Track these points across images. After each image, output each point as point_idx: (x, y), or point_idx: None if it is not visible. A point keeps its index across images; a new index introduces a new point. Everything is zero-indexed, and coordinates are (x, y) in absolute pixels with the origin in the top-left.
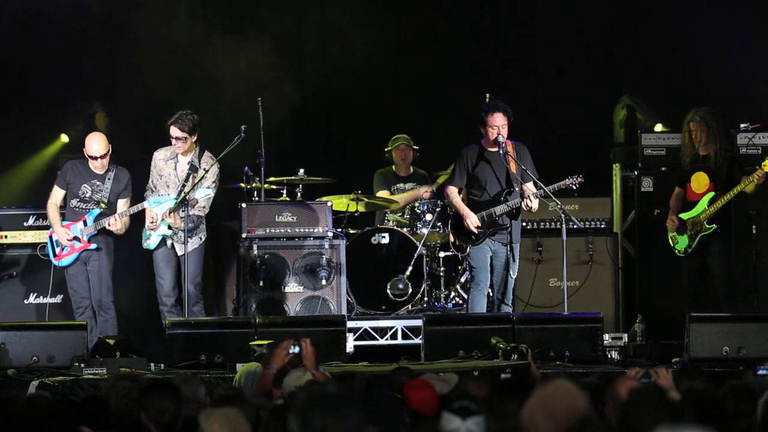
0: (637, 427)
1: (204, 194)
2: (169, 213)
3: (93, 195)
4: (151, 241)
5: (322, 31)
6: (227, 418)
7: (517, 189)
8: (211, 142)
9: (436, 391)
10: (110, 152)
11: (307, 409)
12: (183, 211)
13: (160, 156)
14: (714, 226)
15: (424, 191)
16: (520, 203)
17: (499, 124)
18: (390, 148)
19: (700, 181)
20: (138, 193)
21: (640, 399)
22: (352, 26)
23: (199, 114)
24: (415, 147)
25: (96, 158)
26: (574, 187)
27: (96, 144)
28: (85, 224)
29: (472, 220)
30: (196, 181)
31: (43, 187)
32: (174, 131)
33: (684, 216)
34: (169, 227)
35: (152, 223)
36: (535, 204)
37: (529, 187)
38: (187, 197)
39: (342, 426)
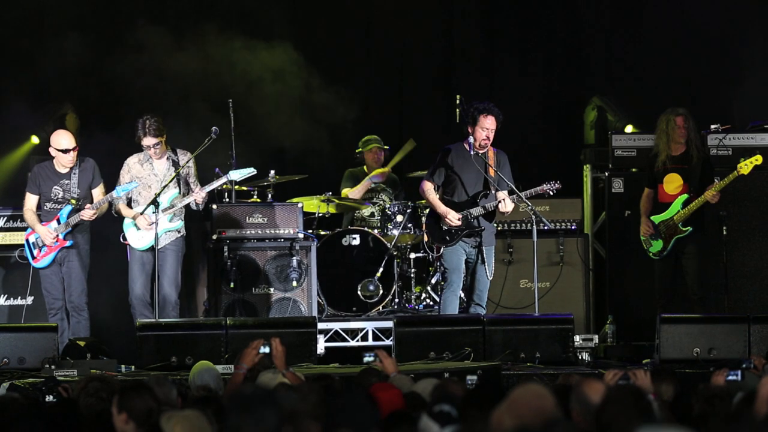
0: (612, 427)
1: (245, 173)
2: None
3: (65, 195)
4: (145, 242)
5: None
6: (188, 419)
7: (492, 192)
8: (182, 143)
9: (402, 390)
10: (77, 148)
11: (226, 409)
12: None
13: (134, 160)
14: (689, 228)
15: (377, 174)
16: (496, 205)
17: (489, 127)
18: (361, 149)
19: (673, 182)
20: (110, 185)
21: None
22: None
23: (170, 113)
24: (385, 147)
25: (67, 151)
26: (551, 193)
27: (65, 139)
28: (59, 222)
29: (453, 216)
30: (172, 175)
31: (13, 190)
32: (149, 141)
33: (656, 219)
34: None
35: (150, 225)
36: (509, 206)
37: (503, 195)
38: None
39: (257, 427)
